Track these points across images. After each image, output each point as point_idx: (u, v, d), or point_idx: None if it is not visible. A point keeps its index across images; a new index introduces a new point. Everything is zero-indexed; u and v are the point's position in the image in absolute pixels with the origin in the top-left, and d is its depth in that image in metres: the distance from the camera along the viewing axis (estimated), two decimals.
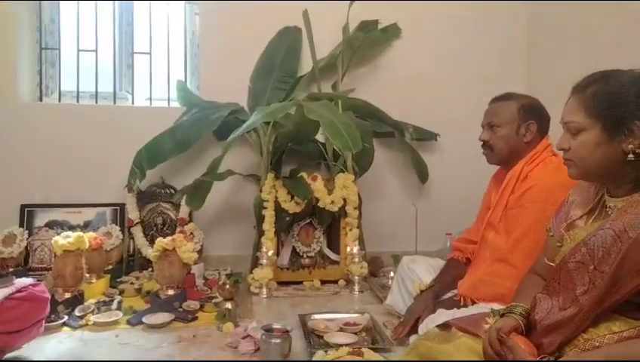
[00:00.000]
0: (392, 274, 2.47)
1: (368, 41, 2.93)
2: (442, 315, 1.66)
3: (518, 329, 1.15)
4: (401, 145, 3.10)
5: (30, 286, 1.66)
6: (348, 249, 2.63)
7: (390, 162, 3.14)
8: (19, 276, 1.79)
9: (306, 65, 2.97)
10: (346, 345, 1.73)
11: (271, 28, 2.95)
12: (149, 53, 3.04)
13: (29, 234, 2.66)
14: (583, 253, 1.08)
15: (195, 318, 2.08)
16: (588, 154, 1.10)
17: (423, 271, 2.05)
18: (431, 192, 3.16)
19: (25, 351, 1.68)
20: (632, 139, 1.04)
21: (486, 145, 1.83)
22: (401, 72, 3.10)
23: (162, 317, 2.02)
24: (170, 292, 2.23)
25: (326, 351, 1.67)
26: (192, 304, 2.17)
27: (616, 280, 1.00)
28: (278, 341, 1.63)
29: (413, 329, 1.75)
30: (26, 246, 2.62)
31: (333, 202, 2.61)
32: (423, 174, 3.06)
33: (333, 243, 2.74)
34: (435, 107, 3.12)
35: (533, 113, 1.76)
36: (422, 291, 1.86)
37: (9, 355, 1.61)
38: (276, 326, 1.74)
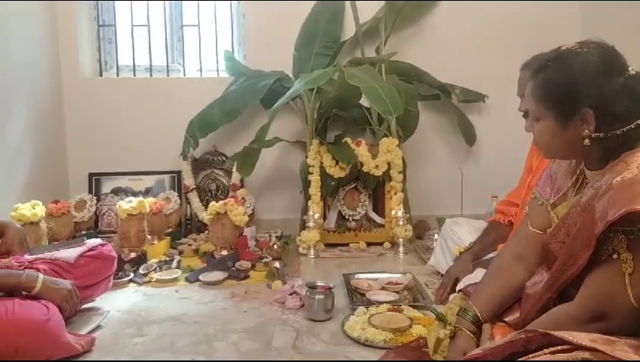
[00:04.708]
0: (436, 236, 2.51)
1: (412, 2, 2.88)
2: (481, 274, 1.70)
3: (471, 344, 1.14)
4: (447, 108, 3.06)
5: (99, 246, 1.85)
6: (393, 212, 2.68)
7: (436, 125, 3.12)
8: (90, 238, 2.00)
9: (349, 31, 2.97)
10: (387, 302, 1.82)
11: None
12: (198, 26, 3.15)
13: (97, 200, 2.90)
14: (563, 233, 1.08)
15: (247, 276, 2.22)
16: (548, 142, 1.10)
17: (465, 233, 2.08)
18: (478, 155, 3.13)
19: (98, 303, 1.88)
20: (587, 125, 1.02)
21: (527, 115, 1.77)
22: (447, 33, 3.04)
23: (217, 275, 2.18)
24: (224, 252, 2.39)
25: (367, 308, 1.76)
26: (244, 263, 2.32)
27: (572, 253, 0.99)
28: (321, 297, 1.73)
29: (453, 291, 1.80)
30: (95, 211, 2.86)
31: (377, 166, 2.65)
32: (470, 137, 3.02)
33: (379, 207, 2.81)
34: (482, 67, 3.04)
35: None
36: (460, 253, 1.90)
37: (86, 306, 1.82)
38: (320, 283, 1.83)
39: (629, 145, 1.01)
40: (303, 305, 1.82)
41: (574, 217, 1.05)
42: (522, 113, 1.72)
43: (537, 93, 1.09)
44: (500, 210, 2.02)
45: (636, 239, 0.91)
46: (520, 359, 0.92)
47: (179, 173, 3.03)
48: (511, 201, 1.98)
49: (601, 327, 0.93)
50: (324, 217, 2.75)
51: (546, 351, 0.90)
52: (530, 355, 0.91)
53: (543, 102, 1.07)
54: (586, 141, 1.03)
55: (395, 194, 2.71)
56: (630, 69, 1.02)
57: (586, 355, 0.86)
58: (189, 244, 2.67)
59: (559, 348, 0.89)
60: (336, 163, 2.65)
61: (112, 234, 2.66)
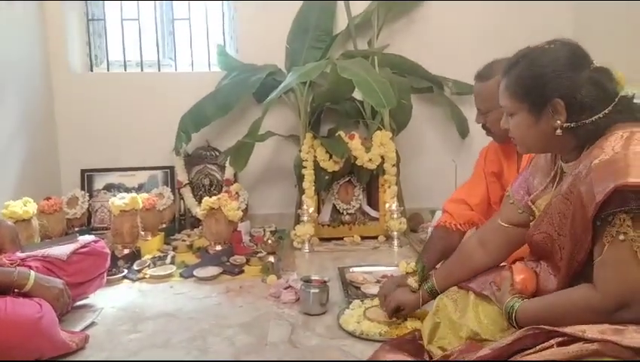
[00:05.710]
0: (430, 229, 2.51)
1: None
2: None
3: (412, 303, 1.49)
4: (440, 100, 3.06)
5: (92, 243, 1.84)
6: (387, 205, 2.68)
7: (429, 118, 3.12)
8: (83, 235, 1.97)
9: (341, 23, 2.95)
10: None
11: None
12: (189, 19, 3.12)
13: (90, 197, 2.88)
14: (546, 223, 1.13)
15: (241, 271, 2.22)
16: (524, 135, 1.15)
17: None
18: (471, 147, 3.11)
19: (92, 300, 1.87)
20: (558, 116, 1.07)
21: (485, 128, 1.67)
22: (440, 25, 3.02)
23: (211, 270, 2.18)
24: (218, 247, 2.39)
25: (362, 301, 1.77)
26: (239, 258, 2.31)
27: (576, 240, 1.02)
28: (316, 291, 1.74)
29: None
30: (88, 208, 2.84)
31: (370, 160, 2.65)
32: (463, 129, 3.02)
33: (373, 200, 2.80)
34: (475, 60, 2.97)
35: None
36: (407, 272, 1.72)
37: (79, 303, 1.81)
38: (315, 277, 1.83)
39: (600, 133, 1.06)
40: (298, 299, 1.82)
41: (557, 205, 1.10)
42: (481, 125, 1.69)
43: (511, 88, 1.14)
44: (448, 210, 1.76)
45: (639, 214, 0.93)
46: (529, 352, 0.95)
47: (172, 168, 3.01)
48: (463, 200, 1.78)
49: (627, 317, 0.94)
50: (319, 211, 2.74)
51: (552, 341, 0.94)
52: (538, 347, 0.95)
53: (517, 96, 1.12)
54: (558, 131, 1.08)
55: (389, 187, 2.70)
56: (594, 62, 1.09)
57: (595, 346, 0.88)
58: (183, 240, 2.65)
59: (566, 339, 0.92)
60: (330, 157, 2.64)
61: (105, 231, 2.65)
